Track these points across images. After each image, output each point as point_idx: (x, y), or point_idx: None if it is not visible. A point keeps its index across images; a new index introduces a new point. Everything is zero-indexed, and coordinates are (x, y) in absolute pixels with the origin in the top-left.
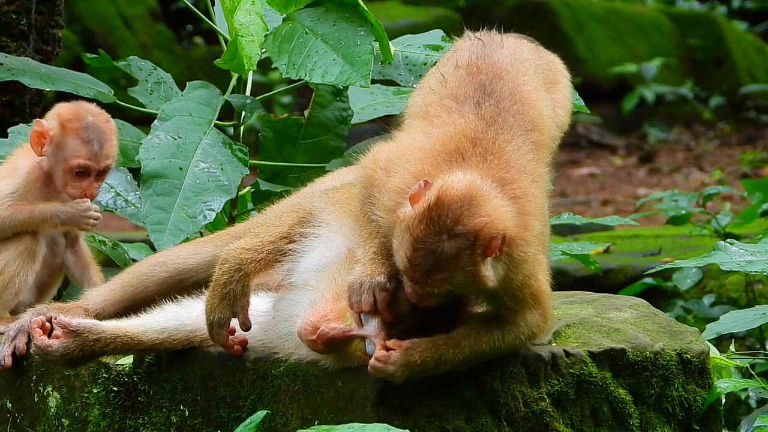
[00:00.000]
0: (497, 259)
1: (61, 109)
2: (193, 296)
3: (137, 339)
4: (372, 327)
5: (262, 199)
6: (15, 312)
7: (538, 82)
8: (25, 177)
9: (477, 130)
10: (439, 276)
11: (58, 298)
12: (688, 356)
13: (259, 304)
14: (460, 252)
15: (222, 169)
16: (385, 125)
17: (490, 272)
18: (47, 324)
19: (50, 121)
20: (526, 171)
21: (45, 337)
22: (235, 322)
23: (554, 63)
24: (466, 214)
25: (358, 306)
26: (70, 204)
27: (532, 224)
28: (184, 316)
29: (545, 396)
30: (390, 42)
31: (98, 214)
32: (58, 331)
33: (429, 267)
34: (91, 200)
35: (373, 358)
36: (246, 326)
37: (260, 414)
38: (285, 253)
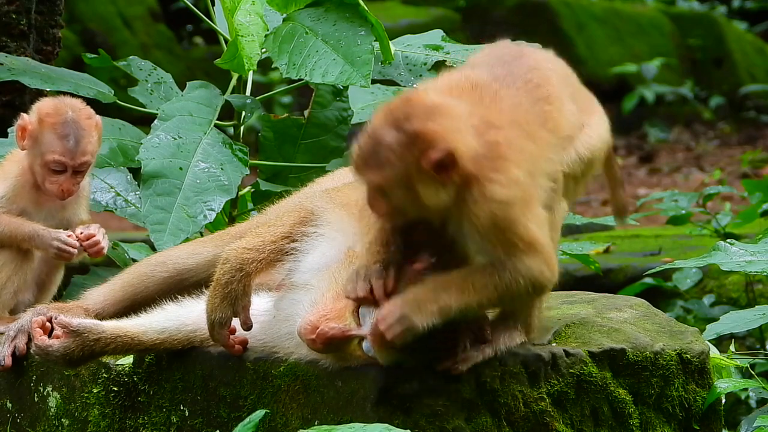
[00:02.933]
0: (444, 182)
1: (43, 103)
2: (194, 296)
3: (137, 339)
4: (366, 326)
5: (262, 199)
6: (15, 312)
7: (563, 85)
8: (13, 181)
9: (481, 78)
10: (375, 168)
11: (58, 297)
12: (688, 356)
13: (259, 304)
14: (398, 148)
15: (222, 169)
16: None
17: (431, 192)
18: (47, 324)
19: (32, 114)
20: (520, 126)
21: (45, 337)
22: (236, 322)
23: (592, 97)
24: (420, 117)
25: (354, 293)
26: (53, 232)
27: (510, 170)
28: (185, 316)
29: (545, 396)
30: (390, 42)
31: (73, 251)
32: (58, 331)
33: (368, 155)
34: (68, 196)
35: (369, 330)
36: (247, 326)
37: (259, 413)
38: (287, 252)
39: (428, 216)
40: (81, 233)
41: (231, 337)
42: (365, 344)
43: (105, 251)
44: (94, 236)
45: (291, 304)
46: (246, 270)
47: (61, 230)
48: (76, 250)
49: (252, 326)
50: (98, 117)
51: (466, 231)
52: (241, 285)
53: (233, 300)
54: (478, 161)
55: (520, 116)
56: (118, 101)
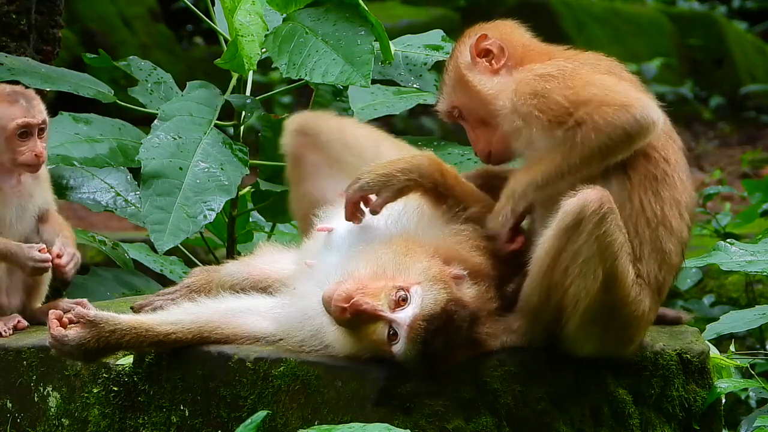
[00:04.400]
0: (494, 70)
1: None
2: (209, 297)
3: (152, 330)
4: (404, 315)
5: (262, 199)
6: (3, 315)
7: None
8: None
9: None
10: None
11: (59, 297)
12: (688, 356)
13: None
14: (455, 49)
15: (222, 169)
16: (385, 125)
17: (482, 80)
18: (64, 318)
19: None
20: (577, 62)
21: (61, 328)
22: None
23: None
24: (480, 29)
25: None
26: (25, 249)
27: (557, 57)
28: (200, 311)
29: (545, 396)
30: (390, 42)
31: (47, 265)
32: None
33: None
34: (41, 160)
35: (408, 320)
36: (375, 211)
37: (261, 414)
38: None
39: (487, 111)
40: (56, 252)
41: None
42: (389, 331)
43: (69, 276)
44: (62, 258)
45: (325, 264)
46: (415, 179)
47: (34, 245)
48: (50, 264)
49: (378, 213)
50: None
51: (516, 118)
52: (400, 186)
53: (388, 186)
54: (525, 50)
55: (573, 62)
56: (118, 101)
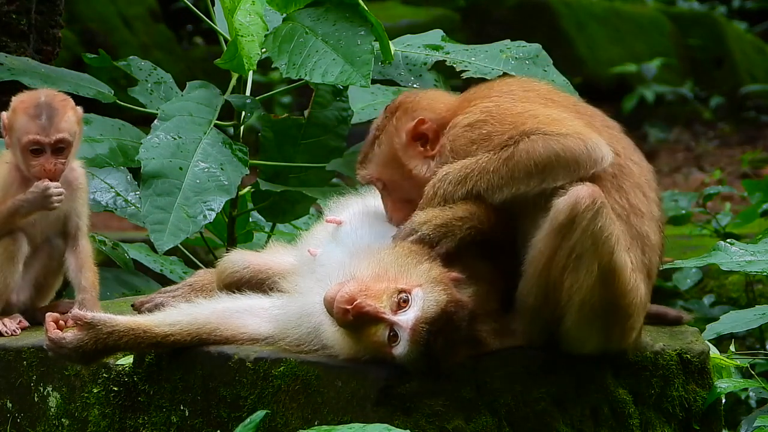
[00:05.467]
0: (429, 155)
1: (18, 95)
2: (206, 298)
3: (150, 331)
4: (406, 317)
5: (262, 199)
6: (8, 313)
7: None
8: (2, 180)
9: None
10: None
11: (58, 297)
12: (688, 356)
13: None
14: (389, 124)
15: (222, 169)
16: None
17: (417, 165)
18: (61, 321)
19: (8, 109)
20: (495, 97)
21: (58, 331)
22: None
23: None
24: (413, 111)
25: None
26: (30, 190)
27: (478, 104)
28: (198, 312)
29: (545, 396)
30: (390, 42)
31: (59, 190)
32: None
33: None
34: (53, 178)
35: (410, 323)
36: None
37: (260, 414)
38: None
39: (416, 191)
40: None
41: None
42: (390, 334)
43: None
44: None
45: (329, 259)
46: (476, 227)
47: (40, 183)
48: (62, 189)
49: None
50: (77, 107)
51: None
52: (462, 233)
53: (450, 236)
54: (447, 110)
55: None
56: (118, 101)
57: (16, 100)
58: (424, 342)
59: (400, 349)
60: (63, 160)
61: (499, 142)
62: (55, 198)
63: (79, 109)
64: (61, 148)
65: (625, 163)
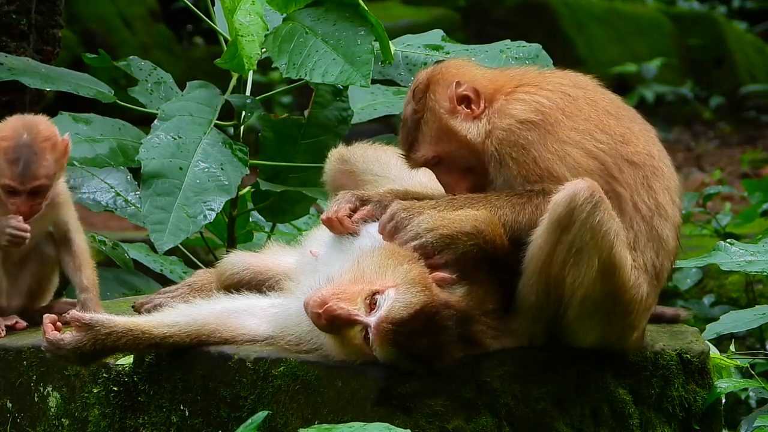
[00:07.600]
0: (476, 115)
1: (4, 123)
2: (204, 298)
3: (148, 332)
4: (371, 318)
5: (262, 199)
6: (2, 316)
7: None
8: None
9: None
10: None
11: (58, 298)
12: (688, 356)
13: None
14: (427, 98)
15: (222, 169)
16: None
17: (469, 128)
18: (59, 322)
19: None
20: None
21: (56, 332)
22: None
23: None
24: (447, 75)
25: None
26: (5, 219)
27: (535, 94)
28: (196, 313)
29: (545, 396)
30: (390, 42)
31: (19, 233)
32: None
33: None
34: (29, 217)
35: (374, 322)
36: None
37: (261, 414)
38: None
39: (474, 157)
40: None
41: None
42: (368, 335)
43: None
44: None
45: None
46: (479, 245)
47: (11, 217)
48: (28, 234)
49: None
50: (61, 137)
51: (495, 161)
52: (465, 248)
53: (451, 248)
54: (491, 83)
55: (555, 86)
56: (118, 101)
57: (1, 133)
58: (394, 342)
59: (374, 349)
60: (40, 201)
61: (530, 169)
62: (14, 241)
63: (64, 140)
64: (37, 192)
65: (659, 165)
